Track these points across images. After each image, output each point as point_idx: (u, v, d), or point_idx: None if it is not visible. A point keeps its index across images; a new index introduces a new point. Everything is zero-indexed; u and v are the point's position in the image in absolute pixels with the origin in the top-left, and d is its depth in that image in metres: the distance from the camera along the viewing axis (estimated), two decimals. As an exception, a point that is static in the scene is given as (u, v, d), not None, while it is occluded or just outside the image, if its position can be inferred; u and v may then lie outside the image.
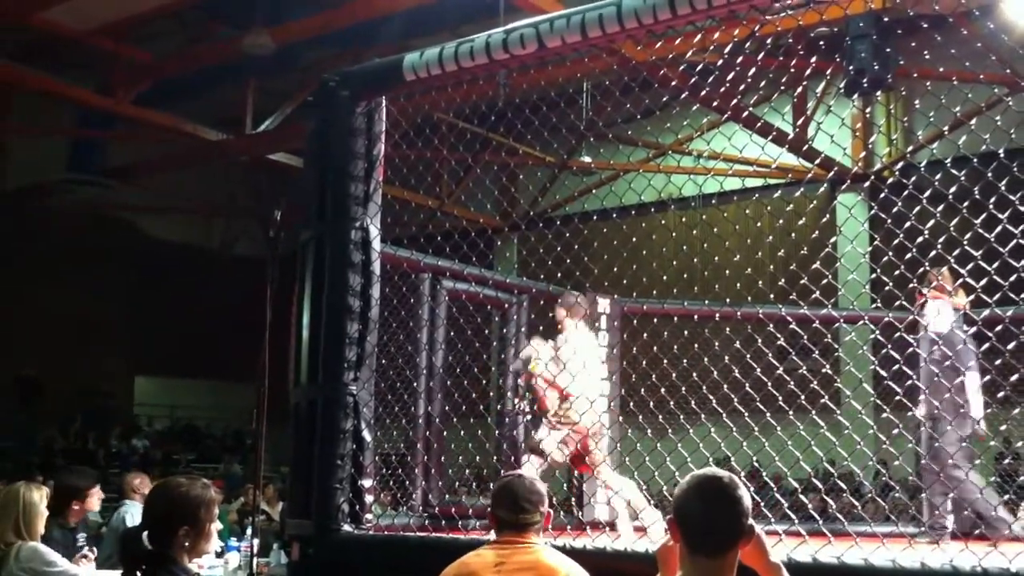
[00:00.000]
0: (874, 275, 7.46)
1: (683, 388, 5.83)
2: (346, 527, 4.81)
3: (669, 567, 2.68)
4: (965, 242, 3.93)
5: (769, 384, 6.76)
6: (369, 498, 4.93)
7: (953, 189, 3.94)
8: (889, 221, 4.25)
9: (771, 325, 6.44)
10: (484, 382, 7.75)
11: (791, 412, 5.15)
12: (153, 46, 14.66)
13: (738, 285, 5.79)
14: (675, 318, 8.07)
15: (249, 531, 7.23)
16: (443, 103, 5.30)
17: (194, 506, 3.09)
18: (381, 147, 5.02)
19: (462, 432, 7.60)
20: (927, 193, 4.26)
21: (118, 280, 20.45)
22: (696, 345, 6.98)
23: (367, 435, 4.91)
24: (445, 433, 7.62)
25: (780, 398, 6.09)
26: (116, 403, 21.25)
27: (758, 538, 2.66)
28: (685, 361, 6.40)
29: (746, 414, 5.58)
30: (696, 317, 7.96)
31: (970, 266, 4.03)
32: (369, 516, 4.92)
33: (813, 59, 9.98)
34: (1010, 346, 4.46)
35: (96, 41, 13.64)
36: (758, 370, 5.49)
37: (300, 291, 5.19)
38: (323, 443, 4.87)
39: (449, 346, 7.23)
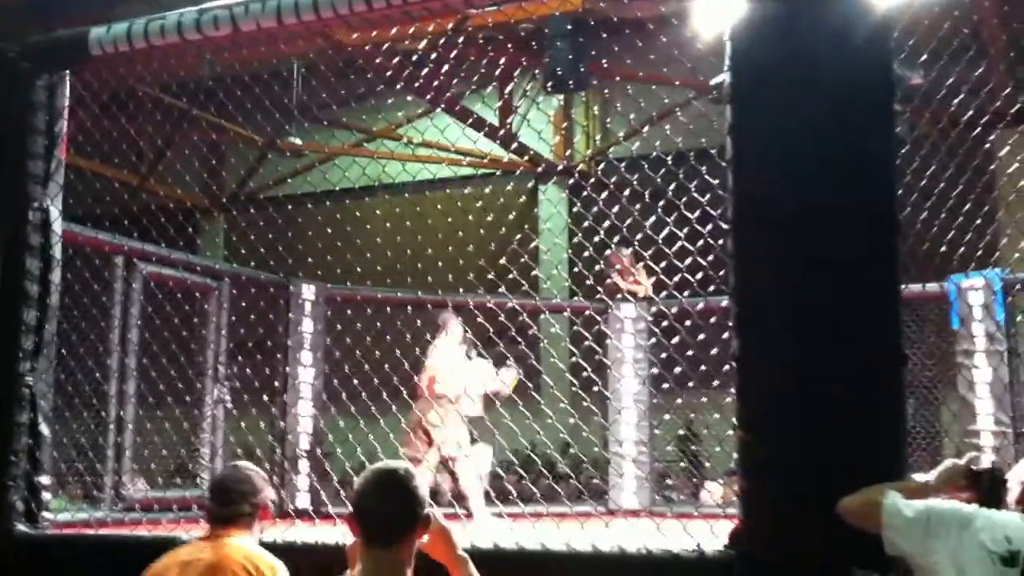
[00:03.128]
0: (575, 268, 7.84)
1: (394, 378, 5.86)
2: (20, 526, 4.52)
3: (353, 563, 2.69)
4: (653, 234, 4.20)
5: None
6: (46, 495, 4.65)
7: (634, 181, 4.18)
8: (586, 215, 4.46)
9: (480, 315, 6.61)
10: (187, 369, 7.50)
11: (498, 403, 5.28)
12: None
13: (450, 276, 5.92)
14: (388, 308, 8.13)
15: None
16: (147, 76, 5.06)
17: None
18: (64, 124, 4.74)
19: (166, 422, 7.32)
20: (613, 184, 4.50)
21: None
22: (409, 336, 7.06)
23: (45, 429, 4.63)
24: (148, 423, 7.33)
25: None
26: None
27: (445, 531, 2.70)
28: (399, 352, 6.46)
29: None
30: (411, 308, 8.01)
31: (664, 264, 4.27)
32: (47, 514, 4.65)
33: (511, 53, 10.28)
34: (701, 337, 4.81)
35: None
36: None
37: (-29, 275, 4.80)
38: (-6, 437, 4.55)
39: (149, 330, 6.94)
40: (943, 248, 5.18)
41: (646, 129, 9.72)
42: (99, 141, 5.71)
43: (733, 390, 3.27)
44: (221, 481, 3.34)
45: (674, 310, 4.93)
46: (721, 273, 3.47)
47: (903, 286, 3.33)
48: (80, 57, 4.63)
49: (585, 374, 5.34)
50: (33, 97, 4.67)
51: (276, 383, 8.01)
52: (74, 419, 6.87)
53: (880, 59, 3.29)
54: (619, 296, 8.42)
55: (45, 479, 4.66)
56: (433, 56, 6.06)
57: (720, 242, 3.48)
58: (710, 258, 3.74)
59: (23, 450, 4.59)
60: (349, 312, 8.06)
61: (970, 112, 5.10)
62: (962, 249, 5.11)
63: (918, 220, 4.87)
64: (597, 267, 8.76)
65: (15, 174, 4.65)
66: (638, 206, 4.37)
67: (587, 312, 7.57)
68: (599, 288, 8.57)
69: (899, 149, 3.62)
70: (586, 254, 5.40)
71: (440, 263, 6.45)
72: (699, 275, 3.91)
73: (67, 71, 4.77)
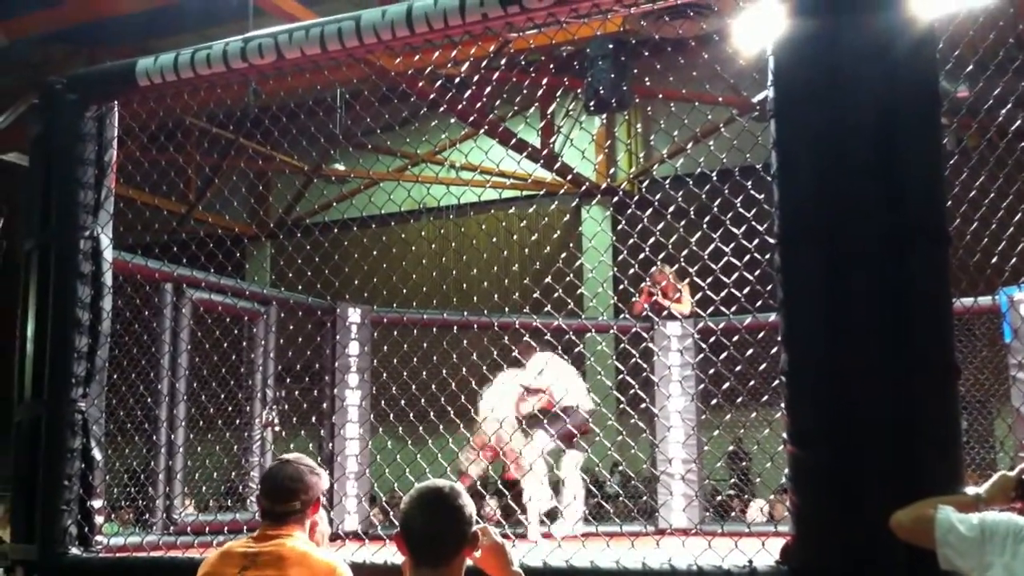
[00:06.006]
0: (621, 287, 7.81)
1: (442, 398, 5.87)
2: (74, 550, 4.58)
3: (404, 578, 2.69)
4: (699, 251, 4.20)
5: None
6: (99, 519, 4.72)
7: (679, 198, 4.16)
8: (631, 233, 4.45)
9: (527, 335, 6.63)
10: (236, 394, 7.58)
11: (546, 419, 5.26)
12: None
13: (496, 297, 5.93)
14: (433, 329, 8.15)
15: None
16: (194, 106, 5.14)
17: None
18: (113, 153, 4.83)
19: (216, 446, 7.40)
20: (658, 202, 4.49)
21: None
22: (455, 356, 7.07)
23: (97, 454, 4.69)
24: (199, 448, 7.40)
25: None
26: None
27: (499, 547, 2.70)
28: (445, 372, 6.48)
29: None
30: (456, 329, 8.02)
31: (710, 280, 4.25)
32: (99, 538, 4.71)
33: (553, 75, 10.31)
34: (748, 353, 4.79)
35: None
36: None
37: (24, 302, 4.90)
38: (48, 463, 4.62)
39: (198, 355, 7.02)
40: (994, 260, 5.10)
41: (690, 146, 9.70)
42: (148, 170, 5.81)
43: (783, 405, 3.24)
44: (273, 476, 3.18)
45: (721, 326, 4.89)
46: (768, 288, 3.44)
47: (953, 299, 3.28)
48: (128, 88, 4.72)
49: (632, 392, 5.31)
50: (82, 128, 4.77)
51: (324, 405, 8.06)
52: (126, 444, 6.96)
53: (925, 71, 3.26)
54: (664, 313, 8.38)
55: (98, 503, 4.72)
56: (475, 79, 6.09)
57: (767, 257, 3.46)
58: (757, 273, 3.71)
59: (76, 475, 4.66)
60: (395, 334, 8.08)
61: (1017, 123, 5.03)
62: (1013, 261, 5.03)
63: (967, 232, 4.82)
64: (642, 285, 8.77)
65: (66, 203, 4.74)
66: (683, 223, 4.36)
67: (633, 330, 7.55)
68: (630, 304, 8.56)
69: (946, 161, 3.57)
70: (631, 272, 5.38)
71: (485, 284, 6.46)
72: (746, 290, 3.88)
73: (115, 102, 4.86)
